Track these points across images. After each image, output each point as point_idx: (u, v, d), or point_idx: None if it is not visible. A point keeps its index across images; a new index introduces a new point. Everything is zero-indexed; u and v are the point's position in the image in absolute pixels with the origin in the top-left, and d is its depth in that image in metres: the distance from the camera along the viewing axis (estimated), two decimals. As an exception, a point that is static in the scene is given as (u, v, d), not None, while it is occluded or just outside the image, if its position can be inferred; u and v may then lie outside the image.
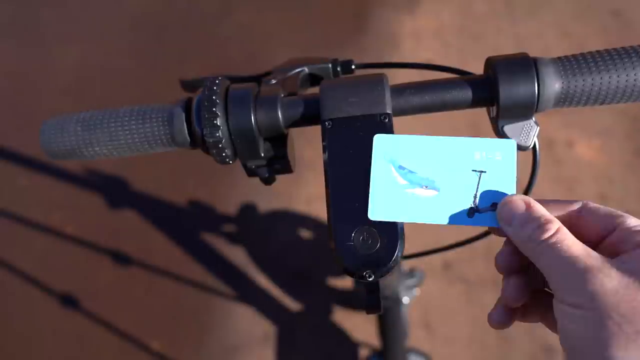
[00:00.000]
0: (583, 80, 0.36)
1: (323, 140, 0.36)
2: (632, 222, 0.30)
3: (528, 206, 0.31)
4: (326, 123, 0.37)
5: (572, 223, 0.32)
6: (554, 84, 0.36)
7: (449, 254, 1.45)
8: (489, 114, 0.40)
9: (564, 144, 1.62)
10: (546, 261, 0.29)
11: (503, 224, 0.32)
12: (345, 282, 1.45)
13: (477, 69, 0.41)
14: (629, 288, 0.25)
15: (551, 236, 0.29)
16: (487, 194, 0.33)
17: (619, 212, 0.31)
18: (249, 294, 1.46)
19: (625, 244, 0.29)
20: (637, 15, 1.90)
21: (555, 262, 0.28)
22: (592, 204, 0.32)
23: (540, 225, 0.30)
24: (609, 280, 0.26)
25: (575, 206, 0.32)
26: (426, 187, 0.33)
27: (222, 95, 0.38)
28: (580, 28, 1.89)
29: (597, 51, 0.37)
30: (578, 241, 0.29)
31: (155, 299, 1.48)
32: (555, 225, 0.30)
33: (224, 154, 0.39)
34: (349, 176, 0.35)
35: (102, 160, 1.68)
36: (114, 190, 1.69)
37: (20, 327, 1.47)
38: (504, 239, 0.33)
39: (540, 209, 0.31)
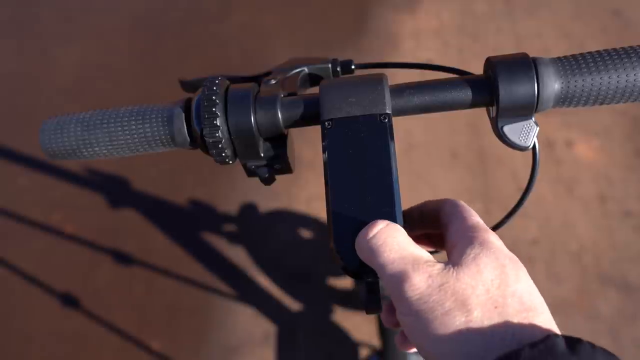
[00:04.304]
0: (583, 80, 0.36)
1: (323, 141, 0.36)
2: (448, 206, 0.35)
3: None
4: (326, 123, 0.37)
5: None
6: (553, 84, 0.36)
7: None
8: (488, 114, 0.40)
9: (563, 144, 1.62)
10: (372, 259, 0.31)
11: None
12: (345, 282, 1.45)
13: (477, 68, 0.41)
14: (431, 287, 0.29)
15: (375, 236, 0.31)
16: None
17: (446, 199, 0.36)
18: (249, 294, 1.46)
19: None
20: (637, 15, 1.90)
21: (380, 263, 0.30)
22: (450, 199, 0.35)
23: (367, 227, 0.32)
24: (419, 282, 0.29)
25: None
26: None
27: (222, 95, 0.38)
28: (580, 28, 1.89)
29: (597, 51, 0.37)
30: (404, 243, 0.31)
31: (155, 298, 1.48)
32: (380, 225, 0.32)
33: (223, 154, 0.39)
34: (349, 176, 0.35)
35: (102, 160, 1.69)
36: (114, 190, 1.69)
37: (20, 327, 1.47)
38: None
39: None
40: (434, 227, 0.36)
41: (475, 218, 0.33)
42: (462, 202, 0.35)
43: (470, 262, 0.29)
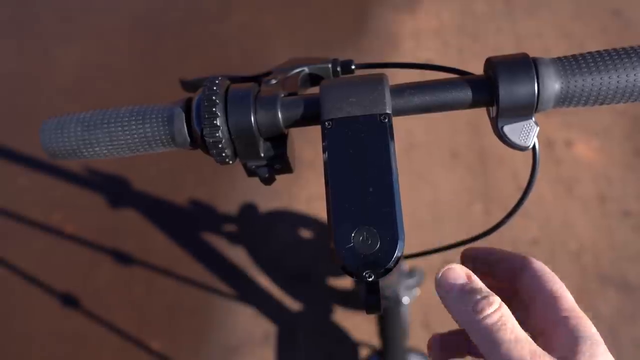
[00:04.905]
0: (583, 80, 0.36)
1: (323, 141, 0.36)
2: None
3: (468, 277, 0.31)
4: (326, 123, 0.36)
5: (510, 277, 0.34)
6: (553, 84, 0.36)
7: (449, 253, 1.45)
8: (488, 114, 0.40)
9: (563, 144, 1.62)
10: (483, 340, 0.29)
11: (441, 290, 0.32)
12: (345, 282, 1.45)
13: (477, 68, 0.41)
14: None
15: (490, 315, 0.29)
16: None
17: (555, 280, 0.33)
18: (249, 294, 1.46)
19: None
20: (637, 15, 1.90)
21: (492, 346, 0.28)
22: (535, 263, 0.33)
23: (479, 301, 0.30)
24: None
25: (517, 263, 0.34)
26: None
27: (222, 95, 0.38)
28: (580, 28, 1.89)
29: (597, 51, 0.37)
30: (517, 327, 0.29)
31: (155, 298, 1.48)
32: (496, 303, 0.30)
33: (223, 154, 0.39)
34: (349, 176, 0.35)
35: (102, 160, 1.69)
36: (114, 190, 1.69)
37: (20, 327, 1.47)
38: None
39: (479, 283, 0.31)
40: (501, 281, 0.35)
41: (568, 295, 0.31)
42: (548, 269, 0.33)
43: None
